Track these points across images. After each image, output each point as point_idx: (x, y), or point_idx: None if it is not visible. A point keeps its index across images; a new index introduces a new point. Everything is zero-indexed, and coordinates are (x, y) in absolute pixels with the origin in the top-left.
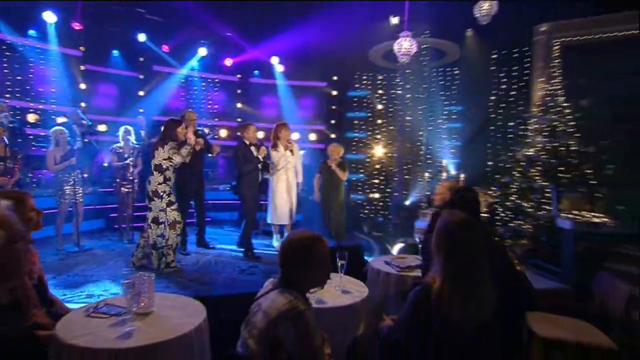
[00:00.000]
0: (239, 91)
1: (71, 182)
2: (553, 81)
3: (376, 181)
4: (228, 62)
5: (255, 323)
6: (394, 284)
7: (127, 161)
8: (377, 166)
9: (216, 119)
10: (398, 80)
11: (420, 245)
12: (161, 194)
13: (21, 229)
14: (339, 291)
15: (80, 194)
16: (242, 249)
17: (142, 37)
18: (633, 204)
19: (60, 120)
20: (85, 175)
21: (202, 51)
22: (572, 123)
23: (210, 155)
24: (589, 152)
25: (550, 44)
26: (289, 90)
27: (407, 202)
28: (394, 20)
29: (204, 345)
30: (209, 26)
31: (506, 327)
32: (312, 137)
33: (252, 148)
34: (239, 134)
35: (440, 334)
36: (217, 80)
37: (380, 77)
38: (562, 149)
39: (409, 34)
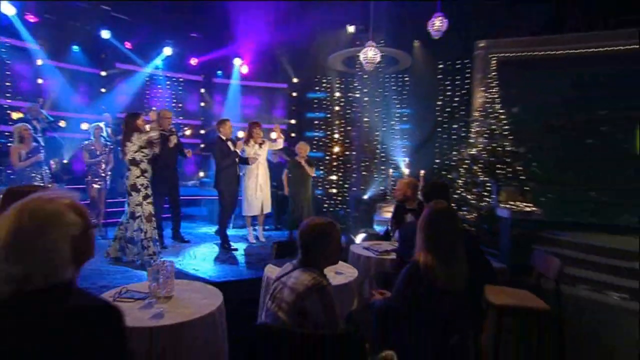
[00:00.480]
0: (202, 90)
1: (39, 179)
2: (491, 90)
3: (334, 177)
4: (193, 61)
5: (283, 298)
6: (374, 266)
7: (100, 158)
8: (335, 163)
9: (181, 118)
10: (356, 84)
11: (382, 234)
12: (139, 187)
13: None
14: (333, 272)
15: None
16: (219, 241)
17: (105, 34)
18: (554, 196)
19: (15, 115)
20: (47, 171)
21: (167, 50)
22: (507, 127)
23: (182, 157)
24: (520, 152)
25: (488, 58)
26: (251, 90)
27: (366, 197)
28: (351, 28)
29: (224, 323)
30: (174, 26)
31: (473, 297)
32: (273, 135)
33: (229, 143)
34: (216, 129)
35: (427, 301)
36: (181, 79)
37: (338, 81)
38: (499, 149)
39: (373, 44)
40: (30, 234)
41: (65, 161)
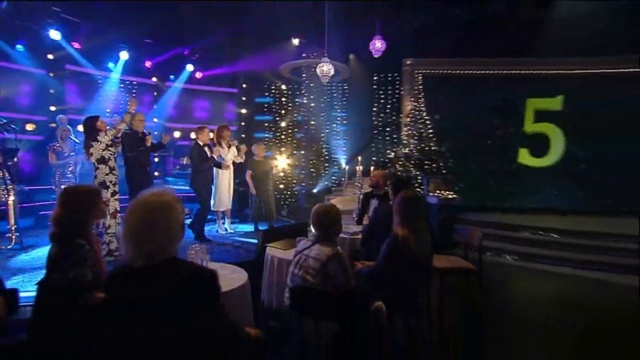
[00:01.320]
0: (155, 93)
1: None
2: (418, 100)
3: (282, 174)
4: (147, 64)
5: (309, 265)
6: (348, 245)
7: (69, 159)
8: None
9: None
10: (303, 91)
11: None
12: (108, 184)
13: None
14: None
15: (12, 193)
16: (195, 233)
17: (55, 35)
18: (465, 186)
19: None
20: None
21: (124, 55)
22: (431, 131)
23: (159, 149)
24: (441, 151)
25: (414, 73)
26: (203, 94)
27: (315, 190)
28: (295, 41)
29: (250, 293)
30: (127, 30)
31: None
32: (177, 134)
33: (206, 148)
34: (193, 135)
35: (404, 264)
36: (134, 82)
37: (285, 88)
38: (426, 148)
39: (327, 60)
40: (155, 221)
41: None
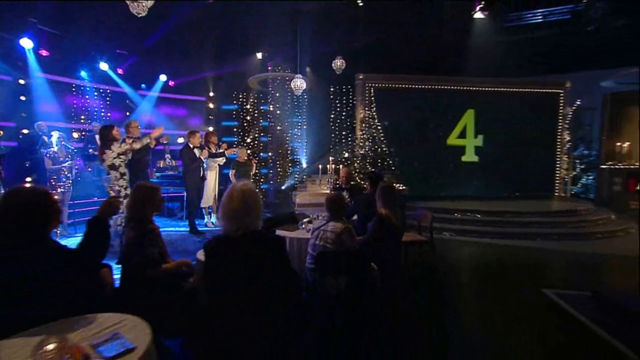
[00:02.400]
0: (127, 101)
1: None
2: (370, 109)
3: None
4: (119, 71)
5: (327, 236)
6: None
7: (64, 164)
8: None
9: (95, 124)
10: (269, 99)
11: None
12: (119, 188)
13: None
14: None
15: None
16: (188, 227)
17: (26, 43)
18: (410, 180)
19: None
20: None
21: (104, 66)
22: (382, 134)
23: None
24: (391, 152)
25: (365, 86)
26: (173, 101)
27: (283, 187)
28: (259, 55)
29: None
30: (101, 40)
31: None
32: (180, 140)
33: (196, 150)
34: (181, 140)
35: (387, 238)
36: (108, 90)
37: (251, 97)
38: (379, 150)
39: (300, 76)
40: (248, 204)
41: None
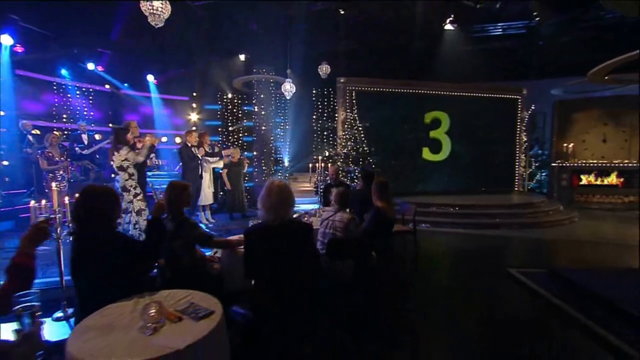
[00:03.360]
0: (110, 100)
1: None
2: (352, 110)
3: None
4: (95, 67)
5: (336, 225)
6: None
7: (60, 164)
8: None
9: (93, 125)
10: (253, 101)
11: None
12: (129, 188)
13: None
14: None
15: None
16: None
17: (6, 40)
18: (389, 176)
19: None
20: None
21: (90, 66)
22: (363, 135)
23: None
24: (371, 151)
25: (346, 89)
26: (157, 101)
27: None
28: (242, 57)
29: None
30: (84, 38)
31: None
32: (178, 140)
33: (193, 149)
34: (178, 140)
35: (382, 227)
36: (91, 89)
37: (235, 97)
38: (360, 149)
39: (290, 80)
40: (285, 197)
41: None
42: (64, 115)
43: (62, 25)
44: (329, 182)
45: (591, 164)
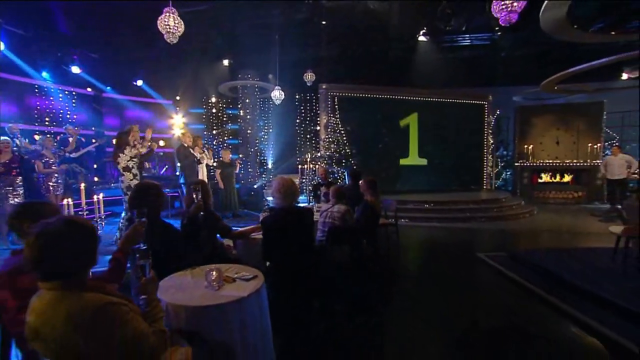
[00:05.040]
0: (94, 103)
1: None
2: (334, 115)
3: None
4: (78, 70)
5: (335, 216)
6: None
7: (55, 167)
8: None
9: (77, 127)
10: (239, 105)
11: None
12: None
13: None
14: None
15: None
16: None
17: None
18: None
19: None
20: None
21: (75, 69)
22: (345, 137)
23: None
24: (353, 152)
25: (328, 94)
26: (140, 104)
27: (255, 186)
28: (225, 62)
29: None
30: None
31: None
32: (162, 143)
33: (189, 149)
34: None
35: (371, 219)
36: (74, 92)
37: (219, 101)
38: (342, 151)
39: (279, 88)
40: (293, 187)
41: None
42: (47, 119)
43: (42, 27)
44: (319, 181)
45: (547, 164)
